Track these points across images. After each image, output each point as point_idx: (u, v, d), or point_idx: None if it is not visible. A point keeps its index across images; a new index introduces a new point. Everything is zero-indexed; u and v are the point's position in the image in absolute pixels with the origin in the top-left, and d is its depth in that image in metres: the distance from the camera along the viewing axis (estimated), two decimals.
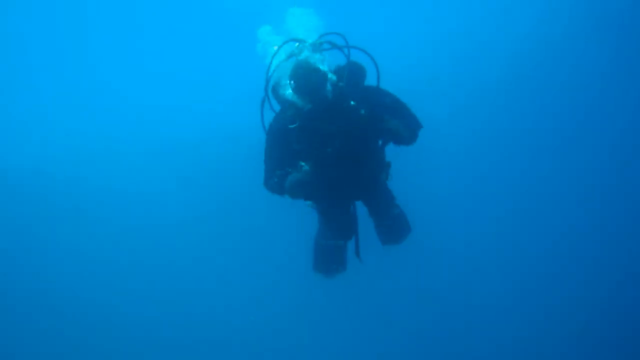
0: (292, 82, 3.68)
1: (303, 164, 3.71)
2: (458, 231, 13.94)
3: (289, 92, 3.74)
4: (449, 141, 13.83)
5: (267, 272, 14.03)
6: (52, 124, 13.51)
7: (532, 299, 13.61)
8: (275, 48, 3.84)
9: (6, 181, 13.85)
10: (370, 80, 4.12)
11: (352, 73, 3.77)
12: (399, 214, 4.48)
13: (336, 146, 3.67)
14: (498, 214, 14.00)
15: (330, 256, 4.59)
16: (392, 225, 4.47)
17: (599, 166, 13.35)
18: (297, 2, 4.40)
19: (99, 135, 13.57)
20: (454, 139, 13.69)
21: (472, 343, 13.42)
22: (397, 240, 4.52)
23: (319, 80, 3.60)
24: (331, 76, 3.68)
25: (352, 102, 3.66)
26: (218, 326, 14.44)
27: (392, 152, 4.44)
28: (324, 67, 3.73)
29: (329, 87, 3.65)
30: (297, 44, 3.79)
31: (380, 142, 4.08)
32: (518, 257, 13.97)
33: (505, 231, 14.13)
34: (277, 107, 3.95)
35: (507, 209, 13.84)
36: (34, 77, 13.06)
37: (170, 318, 14.36)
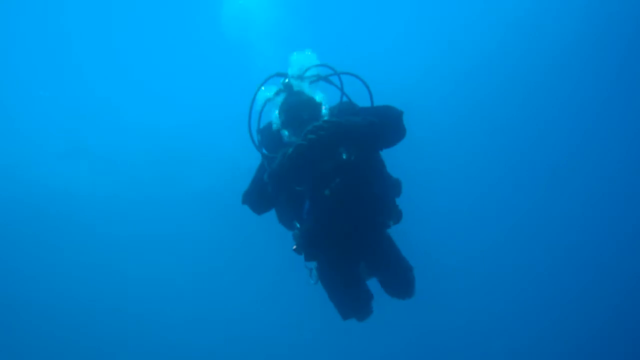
0: (282, 115, 3.57)
1: (297, 225, 3.51)
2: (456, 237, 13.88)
3: (282, 131, 3.57)
4: (448, 150, 13.71)
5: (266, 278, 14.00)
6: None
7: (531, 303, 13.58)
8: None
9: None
10: (365, 101, 3.85)
11: (343, 111, 3.57)
12: (406, 268, 3.94)
13: (334, 187, 3.38)
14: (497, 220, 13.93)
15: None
16: (398, 280, 3.94)
17: (596, 169, 13.28)
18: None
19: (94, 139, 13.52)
20: (454, 152, 13.54)
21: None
22: (405, 294, 3.94)
23: (312, 111, 3.48)
24: (325, 111, 3.55)
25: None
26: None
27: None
28: (318, 99, 3.62)
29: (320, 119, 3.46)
30: (284, 78, 3.63)
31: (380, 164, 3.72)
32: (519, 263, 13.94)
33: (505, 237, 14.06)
34: (265, 145, 3.70)
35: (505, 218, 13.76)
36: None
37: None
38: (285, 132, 3.56)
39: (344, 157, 3.37)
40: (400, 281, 3.91)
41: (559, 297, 12.96)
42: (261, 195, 3.62)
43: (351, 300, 3.78)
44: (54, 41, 12.52)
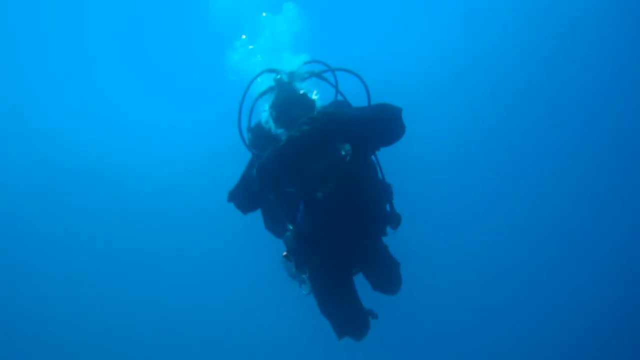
0: (273, 112, 3.41)
1: (290, 227, 3.33)
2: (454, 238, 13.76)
3: (270, 125, 3.42)
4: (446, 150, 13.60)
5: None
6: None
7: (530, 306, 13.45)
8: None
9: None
10: (361, 100, 3.70)
11: (337, 108, 3.35)
12: (395, 268, 3.85)
13: (328, 190, 3.17)
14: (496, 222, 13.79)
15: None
16: (387, 280, 3.86)
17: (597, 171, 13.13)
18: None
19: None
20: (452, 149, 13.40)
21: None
22: (392, 291, 3.90)
23: (305, 107, 3.31)
24: (318, 108, 3.36)
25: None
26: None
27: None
28: (311, 95, 3.46)
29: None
30: (276, 75, 3.45)
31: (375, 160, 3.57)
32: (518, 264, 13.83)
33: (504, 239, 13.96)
34: (255, 144, 3.50)
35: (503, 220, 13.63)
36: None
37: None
38: (277, 129, 3.41)
39: (340, 153, 3.19)
40: (389, 278, 3.79)
41: (557, 296, 12.89)
42: (248, 193, 3.46)
43: (347, 313, 3.54)
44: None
